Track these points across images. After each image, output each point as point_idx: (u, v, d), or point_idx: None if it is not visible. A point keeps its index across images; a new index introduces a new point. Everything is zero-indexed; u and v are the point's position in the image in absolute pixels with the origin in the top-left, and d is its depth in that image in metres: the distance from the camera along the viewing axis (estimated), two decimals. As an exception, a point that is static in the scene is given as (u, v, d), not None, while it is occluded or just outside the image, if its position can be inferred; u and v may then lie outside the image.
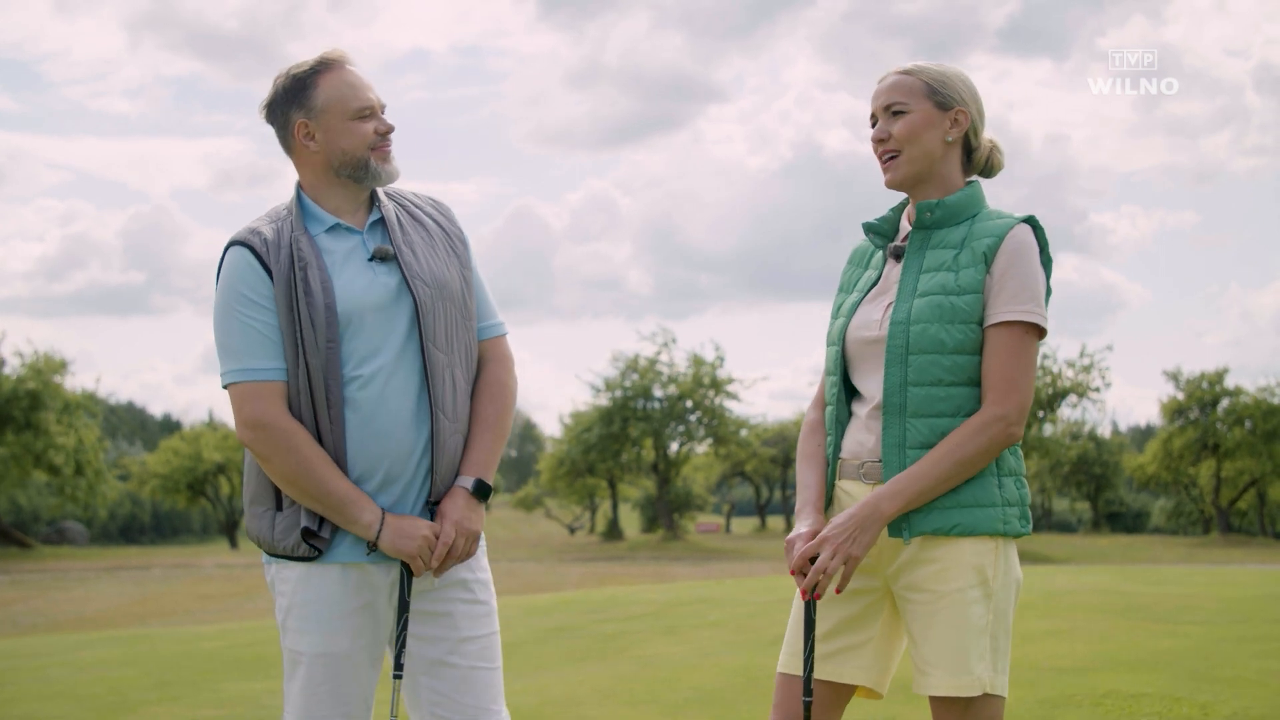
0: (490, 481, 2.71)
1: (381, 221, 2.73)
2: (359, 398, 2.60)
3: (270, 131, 2.74)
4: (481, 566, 2.76)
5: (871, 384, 2.59)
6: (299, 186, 2.74)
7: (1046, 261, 2.56)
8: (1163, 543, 45.66)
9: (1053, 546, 42.58)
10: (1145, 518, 63.54)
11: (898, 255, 2.63)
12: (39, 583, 27.34)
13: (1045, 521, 63.62)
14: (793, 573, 2.54)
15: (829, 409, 2.68)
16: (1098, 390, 41.08)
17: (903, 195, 2.69)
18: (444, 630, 2.68)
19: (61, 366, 41.73)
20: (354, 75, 2.68)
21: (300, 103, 2.66)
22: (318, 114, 2.65)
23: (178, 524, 77.92)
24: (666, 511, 47.57)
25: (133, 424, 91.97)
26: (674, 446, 46.94)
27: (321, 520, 2.60)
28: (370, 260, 2.66)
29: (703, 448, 48.38)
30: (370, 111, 2.68)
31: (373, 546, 2.59)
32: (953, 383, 2.50)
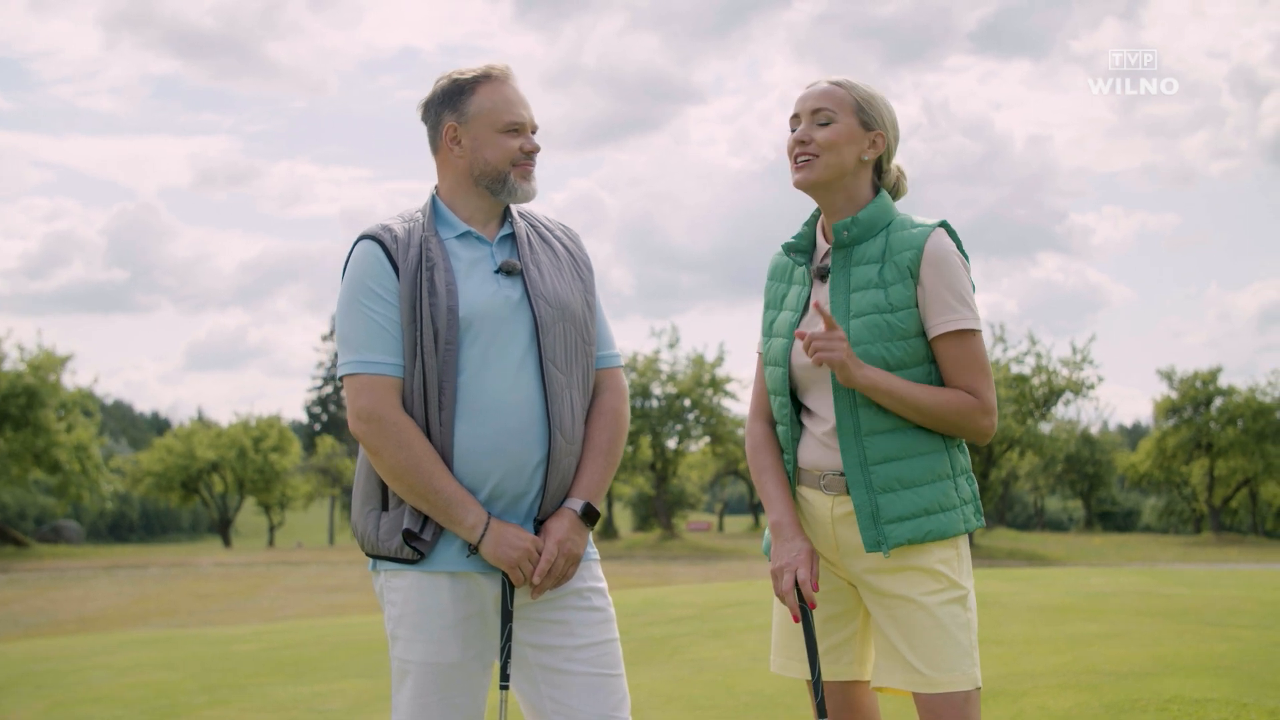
0: (599, 507, 2.70)
1: (511, 237, 2.74)
2: (473, 406, 2.58)
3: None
4: (595, 575, 2.74)
5: (823, 405, 2.63)
6: (435, 191, 2.76)
7: (964, 259, 2.63)
8: (1156, 541, 45.82)
9: (1048, 545, 42.71)
10: (1136, 516, 63.76)
11: (823, 275, 2.66)
12: (37, 582, 27.20)
13: (1038, 520, 63.83)
14: (784, 593, 2.59)
15: (781, 428, 2.71)
16: (1092, 387, 41.15)
17: (813, 209, 2.74)
18: (560, 638, 2.66)
19: (60, 363, 41.39)
20: (512, 91, 2.70)
21: (454, 106, 2.69)
22: (469, 120, 2.67)
23: (167, 522, 77.67)
24: (663, 510, 47.47)
25: (121, 422, 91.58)
26: (670, 444, 46.85)
27: (425, 522, 2.58)
28: (496, 272, 2.66)
29: (698, 445, 48.29)
30: (520, 128, 2.70)
31: (473, 550, 2.57)
32: None
